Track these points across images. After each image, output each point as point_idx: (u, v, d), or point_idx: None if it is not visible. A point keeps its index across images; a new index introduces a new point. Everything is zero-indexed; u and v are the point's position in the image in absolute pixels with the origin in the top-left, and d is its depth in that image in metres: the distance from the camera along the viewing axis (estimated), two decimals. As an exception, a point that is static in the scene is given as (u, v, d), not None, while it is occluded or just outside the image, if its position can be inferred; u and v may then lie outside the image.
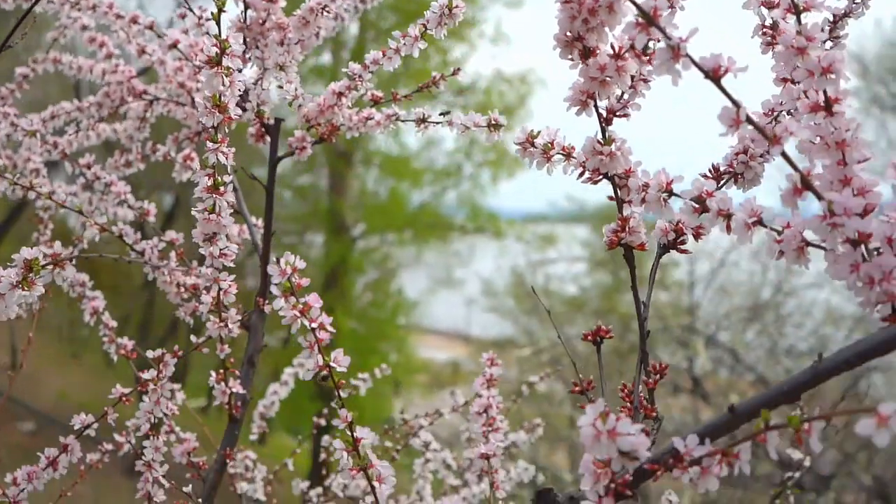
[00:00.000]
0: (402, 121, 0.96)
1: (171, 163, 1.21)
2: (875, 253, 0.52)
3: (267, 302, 0.97)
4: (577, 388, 0.62)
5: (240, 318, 0.92)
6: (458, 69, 1.00)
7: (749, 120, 0.51)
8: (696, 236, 0.67)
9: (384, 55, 0.91)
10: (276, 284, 0.61)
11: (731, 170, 0.69)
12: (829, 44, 0.72)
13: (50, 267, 0.67)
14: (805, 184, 0.52)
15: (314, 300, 0.63)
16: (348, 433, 0.65)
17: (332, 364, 0.63)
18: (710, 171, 0.69)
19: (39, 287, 0.68)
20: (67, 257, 0.68)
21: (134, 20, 1.10)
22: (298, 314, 0.62)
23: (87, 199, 1.21)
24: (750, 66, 0.53)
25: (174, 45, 1.07)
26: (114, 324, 1.11)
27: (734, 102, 0.51)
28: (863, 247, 0.53)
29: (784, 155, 0.52)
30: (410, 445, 1.35)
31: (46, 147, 1.24)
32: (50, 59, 1.30)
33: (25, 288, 0.68)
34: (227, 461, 1.00)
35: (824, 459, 6.20)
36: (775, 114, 0.70)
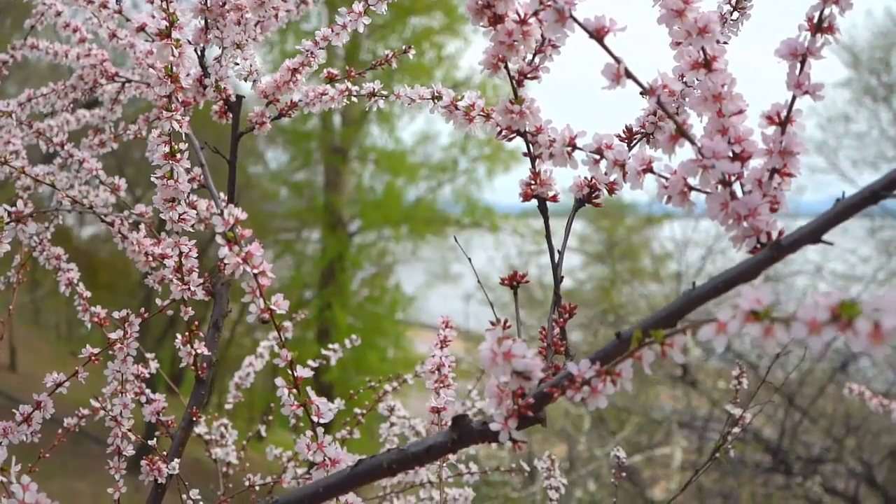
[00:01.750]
0: (355, 95, 1.02)
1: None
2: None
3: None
4: (493, 328, 0.68)
5: (201, 280, 0.98)
6: (410, 47, 1.06)
7: (628, 74, 0.57)
8: (611, 191, 0.73)
9: (333, 31, 0.97)
10: (219, 234, 0.67)
11: (643, 130, 0.74)
12: (735, 14, 0.78)
13: (13, 224, 0.73)
14: (680, 131, 0.57)
15: (255, 249, 0.69)
16: (289, 373, 0.71)
17: (272, 307, 0.69)
18: (623, 131, 0.75)
19: (5, 244, 0.74)
20: (29, 214, 0.74)
21: (103, 5, 1.15)
22: (241, 261, 0.68)
23: (64, 178, 1.27)
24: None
25: (142, 28, 1.13)
26: (88, 294, 1.17)
27: (615, 59, 0.57)
28: (738, 187, 0.59)
29: (661, 106, 0.58)
30: (377, 411, 1.41)
31: (25, 132, 1.30)
32: (28, 45, 1.36)
33: (-8, 245, 0.74)
34: (194, 419, 1.06)
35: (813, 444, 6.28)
36: (684, 78, 0.75)
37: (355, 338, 1.54)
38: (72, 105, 1.27)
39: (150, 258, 1.08)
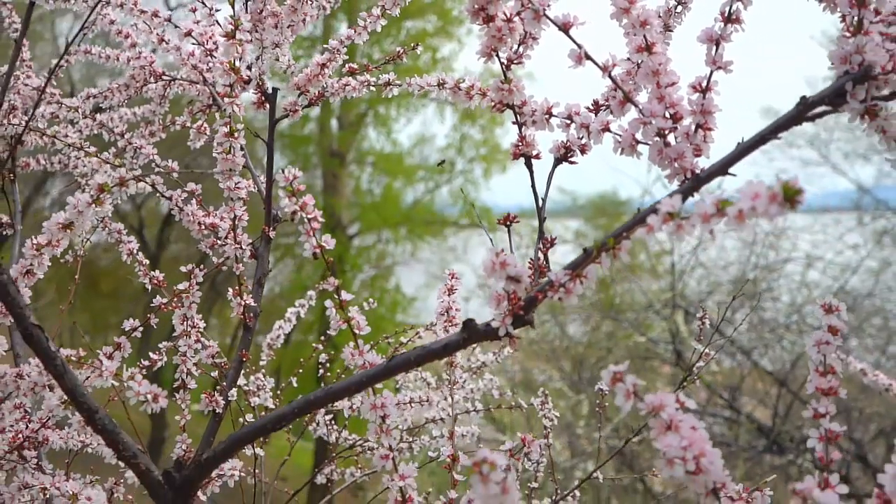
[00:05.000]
0: (373, 85, 1.22)
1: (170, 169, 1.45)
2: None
3: (272, 229, 1.23)
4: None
5: (251, 241, 1.18)
6: (417, 44, 1.26)
7: (587, 56, 0.77)
8: (582, 151, 0.93)
9: (355, 31, 1.17)
10: (282, 187, 0.87)
11: (606, 103, 0.94)
12: (680, 8, 0.99)
13: (118, 187, 0.93)
14: (626, 98, 0.78)
15: (310, 199, 0.89)
16: (336, 297, 0.91)
17: (323, 243, 0.89)
18: (591, 104, 0.95)
19: (108, 205, 0.94)
20: (131, 178, 0.94)
21: (155, 14, 1.36)
22: (299, 209, 0.88)
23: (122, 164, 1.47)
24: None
25: (188, 34, 1.33)
26: (146, 262, 1.37)
27: (578, 45, 0.77)
28: (671, 138, 0.79)
29: (611, 78, 0.78)
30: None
31: (84, 124, 1.50)
32: (81, 50, 1.56)
33: (97, 205, 0.94)
34: (244, 360, 1.26)
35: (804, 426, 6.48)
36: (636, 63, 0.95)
37: (372, 301, 1.73)
38: (126, 100, 1.47)
39: (202, 227, 1.28)
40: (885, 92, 0.70)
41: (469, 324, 0.84)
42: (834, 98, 0.70)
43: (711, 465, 0.63)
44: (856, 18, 0.70)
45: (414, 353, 0.85)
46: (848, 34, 0.70)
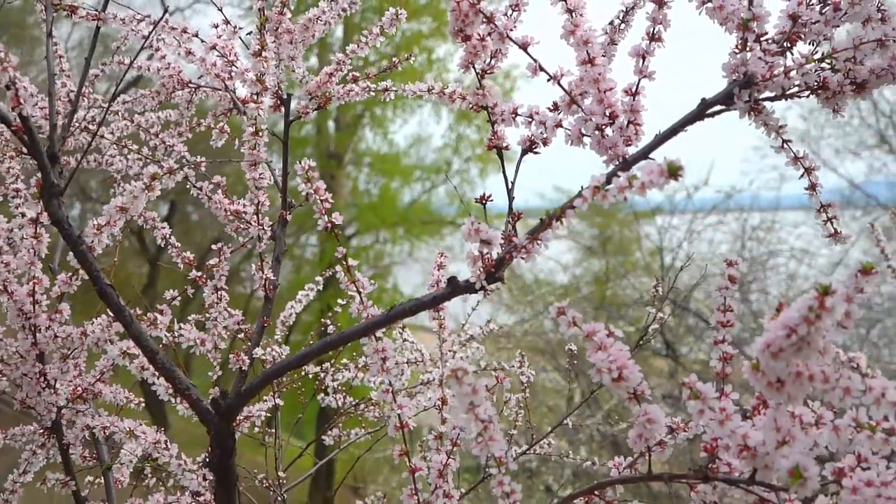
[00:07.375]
0: (374, 91, 1.44)
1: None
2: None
3: (288, 213, 1.45)
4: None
5: (272, 223, 1.39)
6: (410, 55, 1.48)
7: (540, 68, 0.99)
8: (544, 144, 1.15)
9: (358, 46, 1.39)
10: (299, 175, 1.09)
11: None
12: (623, 25, 1.20)
13: (167, 175, 1.14)
14: (572, 100, 1.00)
15: (321, 184, 1.10)
16: (344, 263, 1.13)
17: (333, 220, 1.11)
18: (552, 104, 1.17)
19: (157, 190, 1.15)
20: (177, 168, 1.15)
21: (184, 30, 1.57)
22: (313, 192, 1.10)
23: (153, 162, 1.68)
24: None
25: (214, 47, 1.55)
26: (178, 245, 1.58)
27: (533, 59, 0.99)
28: (608, 131, 1.01)
29: (560, 86, 1.00)
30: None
31: (116, 126, 1.72)
32: (115, 61, 1.77)
33: (149, 191, 1.15)
34: (265, 326, 1.47)
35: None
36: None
37: (373, 283, 1.94)
38: (157, 105, 1.68)
39: (228, 213, 1.49)
40: (766, 95, 0.92)
41: (452, 280, 1.05)
42: (725, 99, 0.91)
43: (631, 374, 0.85)
44: (741, 38, 0.92)
45: (409, 304, 1.06)
46: (736, 50, 0.92)
